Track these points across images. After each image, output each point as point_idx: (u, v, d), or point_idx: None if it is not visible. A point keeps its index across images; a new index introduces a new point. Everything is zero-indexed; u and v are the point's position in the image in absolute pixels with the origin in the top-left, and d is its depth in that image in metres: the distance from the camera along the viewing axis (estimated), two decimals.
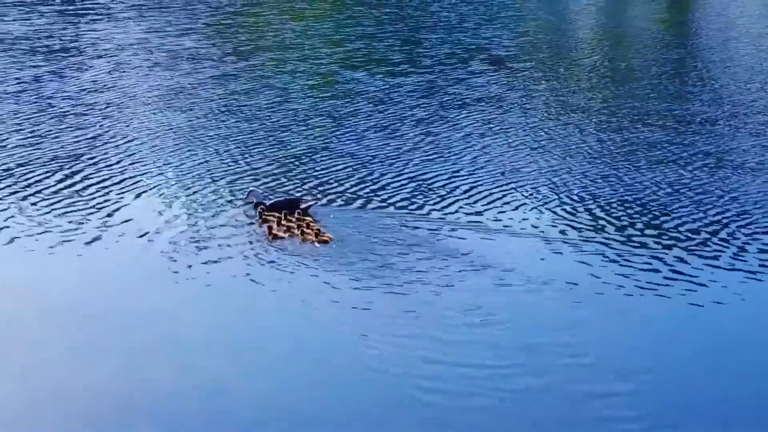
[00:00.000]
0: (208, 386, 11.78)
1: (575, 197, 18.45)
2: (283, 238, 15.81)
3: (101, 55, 30.60)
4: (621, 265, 15.43)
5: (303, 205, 16.71)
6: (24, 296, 14.08)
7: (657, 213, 17.70)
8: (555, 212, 17.64)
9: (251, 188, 17.77)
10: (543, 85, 28.27)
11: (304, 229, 15.90)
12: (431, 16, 41.01)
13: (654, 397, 11.85)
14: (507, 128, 23.26)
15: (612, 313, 13.91)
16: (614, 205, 18.09)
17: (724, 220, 17.22)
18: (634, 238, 16.48)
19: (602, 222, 17.26)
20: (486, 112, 24.83)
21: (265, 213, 16.51)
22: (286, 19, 39.42)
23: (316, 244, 15.59)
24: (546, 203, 18.13)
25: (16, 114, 23.51)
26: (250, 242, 15.85)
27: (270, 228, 16.01)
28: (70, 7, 39.58)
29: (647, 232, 16.80)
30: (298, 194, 18.03)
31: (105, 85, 26.67)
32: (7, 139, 21.46)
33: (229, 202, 17.69)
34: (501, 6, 44.55)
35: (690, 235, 16.62)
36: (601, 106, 25.75)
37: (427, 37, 36.03)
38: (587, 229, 16.89)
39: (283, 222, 16.13)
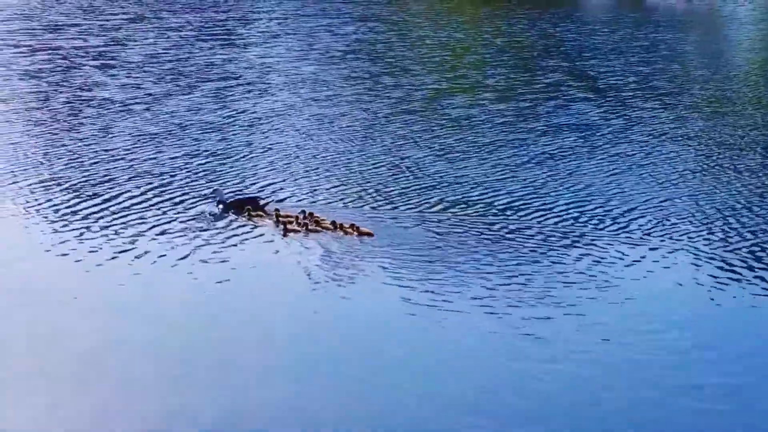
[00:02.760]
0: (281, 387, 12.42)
1: (653, 211, 18.52)
2: (298, 231, 17.46)
3: (220, 78, 31.89)
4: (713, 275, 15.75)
5: (261, 202, 18.67)
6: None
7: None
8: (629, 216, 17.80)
9: (215, 187, 19.34)
10: (648, 113, 28.14)
11: (344, 225, 17.47)
12: (555, 45, 41.10)
13: None
14: (598, 154, 23.42)
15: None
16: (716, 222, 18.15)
17: None
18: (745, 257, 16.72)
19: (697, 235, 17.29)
20: (583, 137, 24.99)
21: (253, 212, 18.24)
22: (404, 45, 40.16)
23: (356, 237, 17.17)
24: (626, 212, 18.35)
25: (138, 130, 24.78)
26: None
27: (285, 225, 17.56)
28: (193, 33, 41.26)
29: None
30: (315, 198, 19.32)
31: (218, 106, 27.86)
32: (123, 153, 22.70)
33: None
34: (636, 35, 44.28)
35: None
36: (715, 136, 25.54)
37: (543, 63, 36.18)
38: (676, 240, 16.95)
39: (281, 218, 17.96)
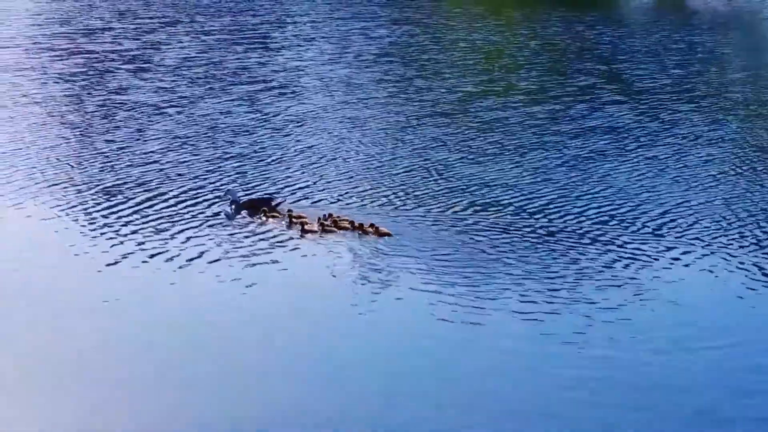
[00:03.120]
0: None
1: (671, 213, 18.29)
2: (316, 232, 17.42)
3: (253, 81, 31.93)
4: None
5: (273, 203, 18.74)
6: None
7: None
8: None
9: (228, 188, 19.52)
10: (682, 115, 27.84)
11: (363, 224, 17.47)
12: (591, 48, 40.78)
13: None
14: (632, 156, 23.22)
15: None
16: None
17: None
18: None
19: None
20: (616, 140, 24.77)
21: (269, 212, 18.29)
22: (438, 48, 40.02)
23: (378, 237, 17.18)
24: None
25: (171, 133, 24.83)
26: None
27: (303, 225, 17.54)
28: (227, 36, 41.36)
29: None
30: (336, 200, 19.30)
31: (250, 108, 27.88)
32: (155, 156, 22.76)
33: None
34: (674, 37, 43.86)
35: None
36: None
37: (577, 66, 35.91)
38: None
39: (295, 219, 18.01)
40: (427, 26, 46.13)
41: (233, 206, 18.78)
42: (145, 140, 23.99)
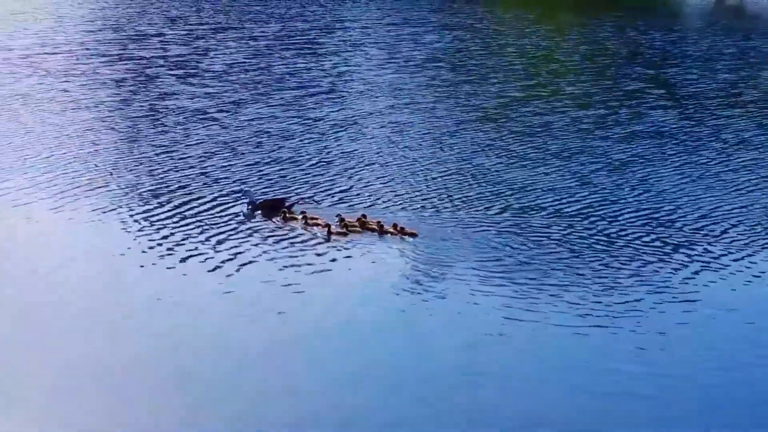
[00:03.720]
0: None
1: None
2: (345, 234, 17.46)
3: (301, 86, 32.06)
4: None
5: (287, 203, 18.82)
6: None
7: None
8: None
9: (245, 188, 19.67)
10: (730, 120, 27.50)
11: (385, 225, 17.57)
12: (641, 53, 40.43)
13: None
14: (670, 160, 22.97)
15: None
16: None
17: None
18: None
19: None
20: (662, 145, 24.56)
21: (288, 213, 18.34)
22: (487, 53, 39.93)
23: (405, 238, 17.25)
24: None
25: (217, 138, 25.00)
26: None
27: (329, 228, 17.57)
28: (276, 42, 41.59)
29: None
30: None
31: (297, 113, 27.99)
32: (200, 161, 22.94)
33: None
34: (726, 42, 43.34)
35: None
36: None
37: (626, 71, 35.62)
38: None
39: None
40: (477, 31, 46.04)
41: (249, 206, 18.88)
42: (191, 145, 24.17)
